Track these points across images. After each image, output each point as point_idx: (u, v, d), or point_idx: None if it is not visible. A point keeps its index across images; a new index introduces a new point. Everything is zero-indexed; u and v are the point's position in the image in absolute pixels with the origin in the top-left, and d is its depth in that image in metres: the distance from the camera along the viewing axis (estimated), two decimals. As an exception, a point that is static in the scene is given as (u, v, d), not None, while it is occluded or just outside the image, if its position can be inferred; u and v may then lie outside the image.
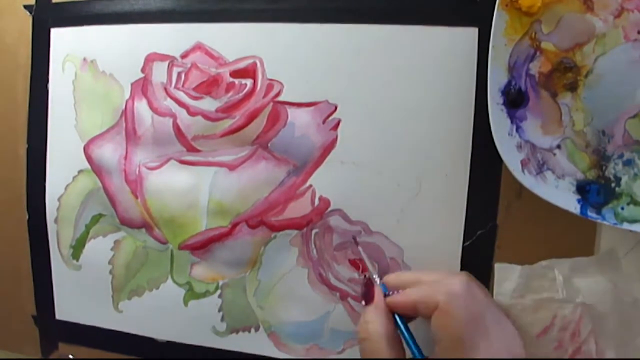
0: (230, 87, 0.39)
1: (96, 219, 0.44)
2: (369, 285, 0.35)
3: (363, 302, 0.35)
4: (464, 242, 0.36)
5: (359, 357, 0.38)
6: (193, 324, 0.42)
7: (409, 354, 0.32)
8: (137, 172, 0.42)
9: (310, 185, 0.38)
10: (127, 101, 0.42)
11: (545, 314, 0.34)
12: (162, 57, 0.41)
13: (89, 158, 0.43)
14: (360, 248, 0.37)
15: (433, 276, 0.33)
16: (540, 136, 0.33)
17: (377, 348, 0.31)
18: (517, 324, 0.34)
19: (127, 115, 0.42)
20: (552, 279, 0.34)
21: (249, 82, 0.39)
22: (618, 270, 0.33)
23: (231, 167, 0.39)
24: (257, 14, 0.38)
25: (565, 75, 0.33)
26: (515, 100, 0.33)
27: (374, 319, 0.32)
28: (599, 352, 0.33)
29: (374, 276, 0.35)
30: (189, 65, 0.40)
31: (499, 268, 0.35)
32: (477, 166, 0.35)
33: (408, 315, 0.33)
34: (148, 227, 0.42)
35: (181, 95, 0.40)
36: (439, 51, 0.35)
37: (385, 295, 0.33)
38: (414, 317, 0.34)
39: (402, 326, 0.32)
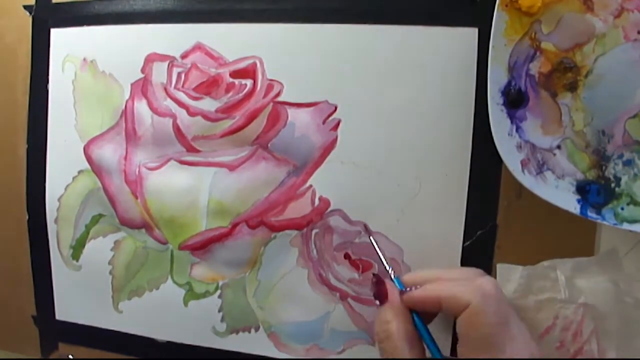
0: (230, 87, 0.39)
1: (96, 219, 0.44)
2: (379, 283, 0.33)
3: (377, 302, 0.33)
4: (464, 242, 0.36)
5: (358, 357, 0.38)
6: (193, 324, 0.42)
7: (427, 353, 0.31)
8: (137, 173, 0.42)
9: (310, 186, 0.38)
10: (127, 101, 0.42)
11: (547, 314, 0.34)
12: (162, 58, 0.41)
13: (89, 158, 0.43)
14: (371, 238, 0.36)
15: (454, 274, 0.33)
16: (540, 136, 0.33)
17: (399, 348, 0.30)
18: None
19: (127, 115, 0.42)
20: (554, 280, 0.34)
21: (249, 82, 0.39)
22: (619, 270, 0.33)
23: (231, 167, 0.39)
24: (257, 14, 0.38)
25: (565, 75, 0.33)
26: (515, 101, 0.33)
27: (393, 318, 0.31)
28: (601, 352, 0.33)
29: (388, 268, 0.34)
30: (189, 66, 0.40)
31: (500, 268, 0.35)
32: (477, 166, 0.35)
33: (427, 312, 0.32)
34: (148, 228, 0.42)
35: (181, 96, 0.40)
36: (439, 51, 0.35)
37: (401, 293, 0.32)
38: (432, 316, 0.33)
39: (420, 325, 0.31)
